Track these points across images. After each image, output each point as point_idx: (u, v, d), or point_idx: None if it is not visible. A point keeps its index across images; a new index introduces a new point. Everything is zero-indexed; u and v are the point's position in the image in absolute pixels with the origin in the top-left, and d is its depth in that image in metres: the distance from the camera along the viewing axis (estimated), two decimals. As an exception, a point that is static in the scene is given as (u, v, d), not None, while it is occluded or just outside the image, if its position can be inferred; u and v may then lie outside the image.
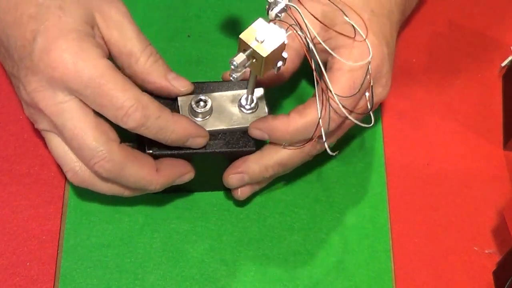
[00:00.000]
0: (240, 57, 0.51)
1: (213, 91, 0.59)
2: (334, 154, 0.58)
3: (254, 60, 0.52)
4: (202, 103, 0.57)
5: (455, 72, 0.73)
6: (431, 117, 0.70)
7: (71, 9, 0.54)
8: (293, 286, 0.61)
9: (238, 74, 0.52)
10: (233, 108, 0.58)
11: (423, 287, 0.62)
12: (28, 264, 0.59)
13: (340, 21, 0.58)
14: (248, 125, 0.58)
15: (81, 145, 0.54)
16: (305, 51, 0.53)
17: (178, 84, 0.57)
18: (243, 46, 0.52)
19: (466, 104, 0.71)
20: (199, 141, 0.57)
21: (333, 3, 0.57)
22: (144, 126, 0.54)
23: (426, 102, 0.71)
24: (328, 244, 0.63)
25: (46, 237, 0.60)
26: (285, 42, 0.52)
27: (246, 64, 0.52)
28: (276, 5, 0.51)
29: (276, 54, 0.52)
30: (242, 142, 0.58)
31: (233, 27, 0.72)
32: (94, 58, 0.53)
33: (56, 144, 0.56)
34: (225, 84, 0.59)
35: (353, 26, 0.57)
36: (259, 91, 0.59)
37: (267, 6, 0.52)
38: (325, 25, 0.57)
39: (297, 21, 0.52)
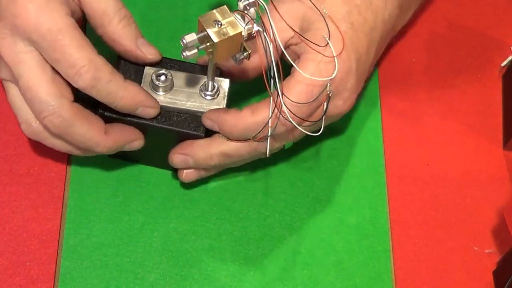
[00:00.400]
0: (191, 37, 0.52)
1: (180, 70, 0.59)
2: (268, 156, 0.59)
3: (208, 44, 0.52)
4: (163, 77, 0.58)
5: (455, 72, 0.73)
6: (431, 117, 0.70)
7: None
8: (292, 286, 0.61)
9: (189, 53, 0.52)
10: (194, 90, 0.59)
11: (423, 287, 0.62)
12: (28, 264, 0.59)
13: (316, 27, 0.58)
14: (203, 110, 0.58)
15: (33, 97, 0.54)
16: (263, 51, 0.53)
17: (146, 51, 0.58)
18: (200, 28, 0.52)
19: (466, 104, 0.71)
20: (149, 111, 0.57)
21: (315, 7, 0.57)
22: (94, 88, 0.54)
23: (426, 102, 0.71)
24: (328, 244, 0.63)
25: (46, 237, 0.60)
26: (242, 34, 0.52)
27: (200, 47, 0.52)
28: None
29: (232, 44, 0.52)
30: (193, 126, 0.58)
31: (233, 27, 0.72)
32: (56, 12, 0.54)
33: (14, 94, 0.57)
34: (195, 67, 0.60)
35: (327, 34, 0.57)
36: (225, 82, 0.59)
37: None
38: (295, 31, 0.57)
39: (262, 21, 0.53)
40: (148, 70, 0.59)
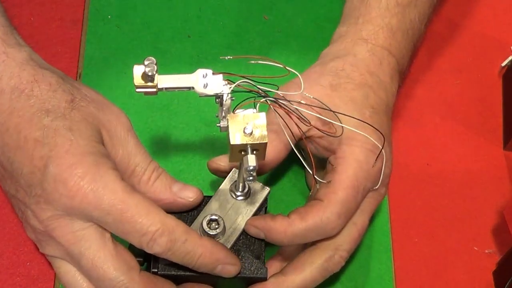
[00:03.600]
0: (252, 159, 0.49)
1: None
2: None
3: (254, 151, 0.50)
4: (213, 224, 0.55)
5: (455, 72, 0.73)
6: (431, 117, 0.70)
7: (80, 129, 0.52)
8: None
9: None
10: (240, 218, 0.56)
11: (423, 287, 0.62)
12: (28, 264, 0.59)
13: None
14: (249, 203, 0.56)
15: (101, 276, 0.51)
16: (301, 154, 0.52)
17: (185, 195, 0.55)
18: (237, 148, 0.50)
19: (466, 104, 0.71)
20: (229, 269, 0.53)
21: (328, 109, 0.56)
22: (171, 251, 0.51)
23: (426, 102, 0.71)
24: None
25: (46, 237, 0.60)
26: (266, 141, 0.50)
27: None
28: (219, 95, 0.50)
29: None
30: (254, 268, 0.55)
31: (233, 27, 0.72)
32: (112, 182, 0.50)
33: (66, 270, 0.53)
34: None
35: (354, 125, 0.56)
36: (264, 190, 0.57)
37: (216, 100, 0.51)
38: (317, 128, 0.55)
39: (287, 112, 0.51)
40: (198, 219, 0.55)
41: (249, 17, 0.73)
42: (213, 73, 0.50)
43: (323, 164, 0.59)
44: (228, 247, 0.54)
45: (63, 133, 0.51)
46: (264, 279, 0.55)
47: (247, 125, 0.49)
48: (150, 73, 0.50)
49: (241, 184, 0.56)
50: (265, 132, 0.49)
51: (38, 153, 0.51)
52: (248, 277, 0.55)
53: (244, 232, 0.56)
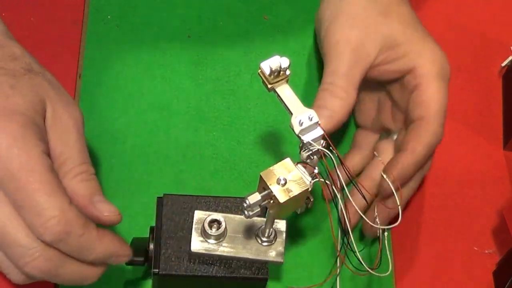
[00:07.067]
0: (255, 198, 0.47)
1: (229, 210, 0.55)
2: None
3: (271, 201, 0.48)
4: (215, 225, 0.53)
5: (455, 72, 0.73)
6: (431, 117, 0.70)
7: (24, 92, 0.49)
8: (293, 286, 0.61)
9: (252, 212, 0.48)
10: (248, 235, 0.54)
11: (423, 287, 0.62)
12: (28, 264, 0.59)
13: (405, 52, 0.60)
14: (262, 258, 0.53)
15: (11, 242, 0.47)
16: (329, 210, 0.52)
17: (101, 207, 0.50)
18: (262, 185, 0.48)
19: (466, 104, 0.71)
20: (121, 260, 0.51)
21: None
22: (62, 242, 0.47)
23: (426, 102, 0.71)
24: (328, 245, 0.63)
25: (46, 237, 0.60)
26: (309, 190, 0.48)
27: (262, 203, 0.48)
28: (310, 148, 0.49)
29: (297, 200, 0.48)
30: (255, 268, 0.54)
31: (233, 27, 0.72)
32: (32, 149, 0.47)
33: None
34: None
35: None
36: (281, 224, 0.54)
37: (300, 145, 0.50)
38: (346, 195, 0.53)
39: (329, 173, 0.50)
40: (199, 215, 0.53)
41: (249, 17, 0.73)
42: (318, 124, 0.50)
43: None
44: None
45: (4, 87, 0.48)
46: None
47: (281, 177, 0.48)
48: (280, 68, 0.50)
49: (267, 230, 0.54)
50: (290, 196, 0.47)
51: None
52: (249, 278, 0.55)
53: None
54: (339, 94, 0.57)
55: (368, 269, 0.53)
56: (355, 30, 0.59)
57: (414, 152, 0.58)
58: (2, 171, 0.46)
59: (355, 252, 0.52)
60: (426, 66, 0.59)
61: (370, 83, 0.62)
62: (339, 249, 0.53)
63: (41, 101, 0.49)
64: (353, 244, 0.52)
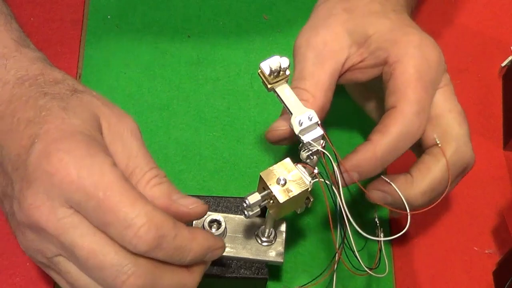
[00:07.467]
0: (254, 198, 0.48)
1: (229, 210, 0.55)
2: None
3: (271, 202, 0.48)
4: (215, 225, 0.53)
5: (455, 72, 0.73)
6: (431, 117, 0.70)
7: (76, 111, 0.47)
8: (293, 286, 0.61)
9: (251, 212, 0.48)
10: (248, 234, 0.54)
11: (423, 287, 0.62)
12: (28, 264, 0.59)
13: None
14: (262, 258, 0.54)
15: (101, 263, 0.44)
16: (329, 213, 0.50)
17: (184, 202, 0.48)
18: (263, 184, 0.48)
19: (466, 104, 0.71)
20: (217, 253, 0.49)
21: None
22: (157, 248, 0.44)
23: (426, 102, 0.71)
24: (328, 245, 0.63)
25: (46, 237, 0.60)
26: (309, 190, 0.48)
27: (262, 203, 0.48)
28: (309, 148, 0.49)
29: (297, 200, 0.48)
30: (255, 268, 0.54)
31: (233, 27, 0.72)
32: (102, 164, 0.45)
33: (70, 271, 0.46)
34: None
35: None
36: (281, 224, 0.55)
37: (299, 145, 0.50)
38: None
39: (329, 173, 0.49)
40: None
41: (249, 17, 0.73)
42: (318, 124, 0.50)
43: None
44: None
45: (56, 111, 0.46)
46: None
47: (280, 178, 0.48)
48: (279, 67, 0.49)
49: (267, 230, 0.54)
50: (290, 196, 0.48)
51: (27, 132, 0.46)
52: (249, 278, 0.55)
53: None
54: (305, 98, 0.54)
55: (366, 269, 0.53)
56: (315, 30, 0.56)
57: (376, 145, 0.52)
58: (77, 194, 0.44)
59: (354, 251, 0.52)
60: (401, 51, 0.54)
61: (373, 86, 0.59)
62: (337, 246, 0.52)
63: (95, 118, 0.48)
64: (350, 238, 0.51)
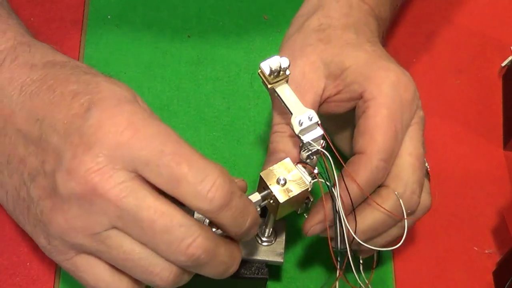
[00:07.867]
0: (255, 198, 0.47)
1: None
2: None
3: (271, 201, 0.48)
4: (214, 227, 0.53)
5: (455, 72, 0.73)
6: (431, 117, 0.70)
7: (121, 86, 0.46)
8: (293, 286, 0.61)
9: None
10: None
11: (423, 287, 0.62)
12: (28, 264, 0.59)
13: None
14: (262, 258, 0.54)
15: (169, 223, 0.43)
16: (328, 210, 0.50)
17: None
18: (263, 184, 0.48)
19: (466, 104, 0.71)
20: (255, 230, 0.48)
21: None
22: (228, 205, 0.43)
23: (425, 102, 0.71)
24: (328, 244, 0.63)
25: (46, 237, 0.60)
26: (309, 190, 0.48)
27: (262, 204, 0.48)
28: (309, 148, 0.49)
29: (297, 200, 0.48)
30: (255, 268, 0.54)
31: (233, 27, 0.72)
32: (165, 126, 0.44)
33: (127, 242, 0.44)
34: None
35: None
36: (281, 224, 0.55)
37: (300, 145, 0.50)
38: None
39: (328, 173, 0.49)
40: (199, 215, 0.48)
41: (249, 17, 0.73)
42: (318, 124, 0.49)
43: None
44: None
45: (105, 84, 0.46)
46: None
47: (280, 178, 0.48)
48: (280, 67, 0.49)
49: (267, 229, 0.54)
50: (290, 196, 0.48)
51: (77, 102, 0.45)
52: (249, 278, 0.55)
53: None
54: (290, 133, 0.52)
55: (366, 280, 0.54)
56: (292, 61, 0.53)
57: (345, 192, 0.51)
58: (148, 151, 0.43)
59: (351, 264, 0.52)
60: (376, 89, 0.53)
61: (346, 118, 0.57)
62: (338, 266, 0.53)
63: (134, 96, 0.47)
64: (350, 260, 0.52)
